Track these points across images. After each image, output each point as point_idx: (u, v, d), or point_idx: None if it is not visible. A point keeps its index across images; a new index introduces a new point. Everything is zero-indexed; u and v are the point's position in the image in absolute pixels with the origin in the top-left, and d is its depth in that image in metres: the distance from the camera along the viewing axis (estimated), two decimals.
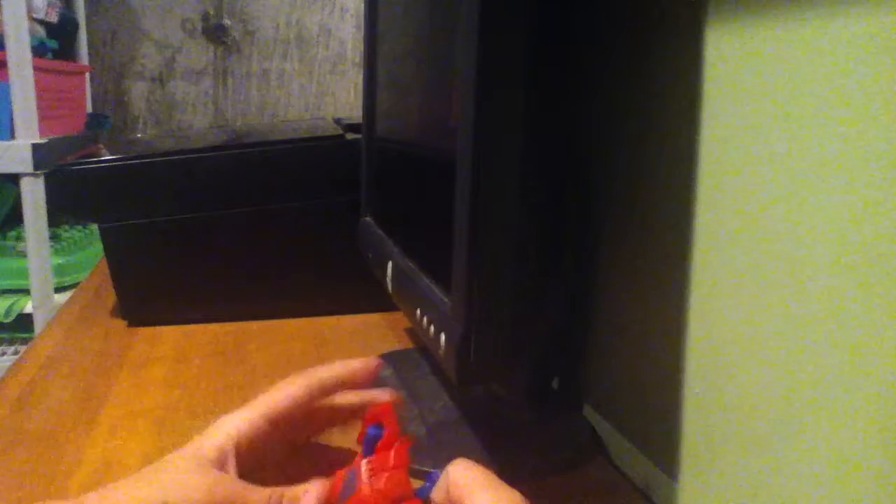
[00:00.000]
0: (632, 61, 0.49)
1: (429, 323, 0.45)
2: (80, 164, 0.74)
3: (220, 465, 0.37)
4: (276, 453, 0.43)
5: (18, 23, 1.24)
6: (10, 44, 1.24)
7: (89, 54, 1.70)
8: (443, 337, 0.42)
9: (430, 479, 0.35)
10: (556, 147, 0.41)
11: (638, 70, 0.48)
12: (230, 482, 0.37)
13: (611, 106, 0.51)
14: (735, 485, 0.39)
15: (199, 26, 1.74)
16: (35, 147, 1.27)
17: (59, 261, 1.41)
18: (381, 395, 0.46)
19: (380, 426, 0.40)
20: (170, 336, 0.75)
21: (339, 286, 0.80)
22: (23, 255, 1.36)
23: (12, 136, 1.28)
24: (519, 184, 0.39)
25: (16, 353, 1.40)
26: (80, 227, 1.57)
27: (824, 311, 0.32)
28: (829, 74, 0.32)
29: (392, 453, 0.38)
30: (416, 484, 0.36)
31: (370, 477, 0.37)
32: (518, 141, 0.39)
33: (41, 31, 1.44)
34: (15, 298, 1.38)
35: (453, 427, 0.53)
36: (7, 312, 1.35)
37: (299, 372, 0.44)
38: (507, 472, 0.47)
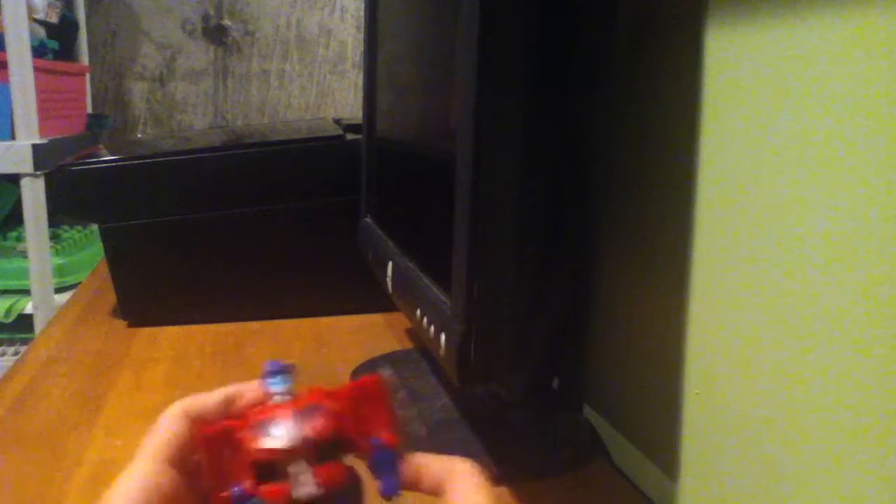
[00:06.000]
0: (632, 61, 0.49)
1: (429, 323, 0.45)
2: (81, 164, 0.74)
3: None
4: None
5: (18, 23, 1.24)
6: (10, 44, 1.24)
7: (89, 54, 1.70)
8: (443, 337, 0.42)
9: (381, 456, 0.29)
10: (555, 147, 0.41)
11: (638, 70, 0.48)
12: None
13: (611, 106, 0.51)
14: (735, 485, 0.39)
15: (199, 27, 1.74)
16: (35, 147, 1.27)
17: (59, 261, 1.41)
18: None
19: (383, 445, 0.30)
20: (170, 336, 0.75)
21: (339, 286, 0.80)
22: (23, 255, 1.36)
23: (12, 137, 1.28)
24: (518, 184, 0.39)
25: (16, 353, 1.40)
26: (80, 227, 1.57)
27: (824, 311, 0.32)
28: (829, 74, 0.32)
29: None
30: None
31: None
32: (517, 141, 0.39)
33: (41, 32, 1.43)
34: (15, 298, 1.38)
35: (453, 427, 0.53)
36: (7, 312, 1.35)
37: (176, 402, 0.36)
38: (507, 472, 0.47)
